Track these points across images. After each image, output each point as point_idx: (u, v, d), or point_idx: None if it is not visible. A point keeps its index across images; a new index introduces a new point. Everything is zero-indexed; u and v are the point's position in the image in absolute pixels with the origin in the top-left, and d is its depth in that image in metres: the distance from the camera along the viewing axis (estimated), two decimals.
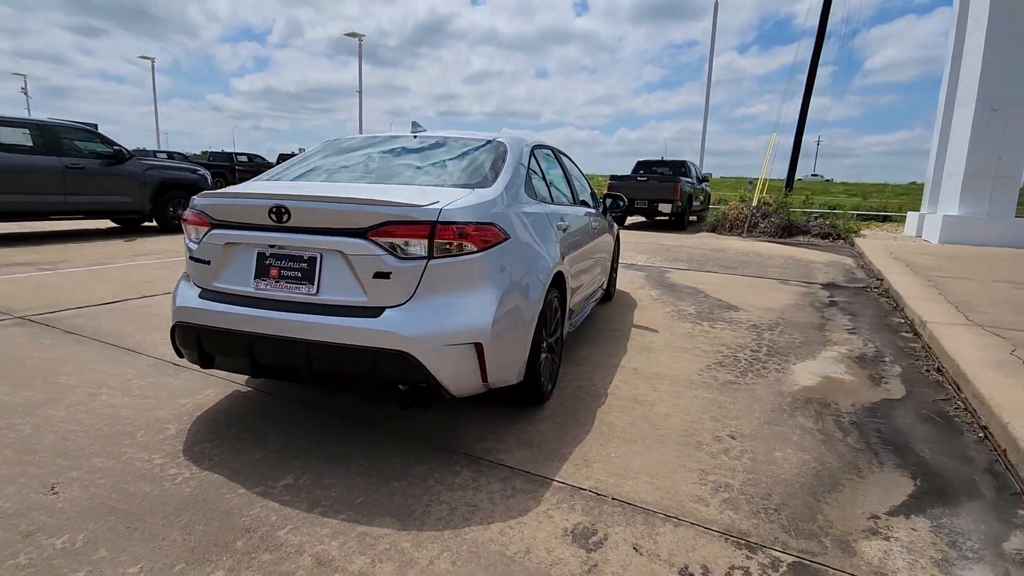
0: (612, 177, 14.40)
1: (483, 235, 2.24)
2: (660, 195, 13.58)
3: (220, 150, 25.29)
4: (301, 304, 2.19)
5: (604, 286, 4.80)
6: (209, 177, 10.61)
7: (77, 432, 2.44)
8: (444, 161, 2.85)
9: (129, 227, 10.27)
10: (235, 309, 2.25)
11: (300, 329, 2.14)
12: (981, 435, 2.68)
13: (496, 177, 2.67)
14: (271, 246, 2.25)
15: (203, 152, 24.45)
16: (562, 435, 2.55)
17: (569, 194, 3.82)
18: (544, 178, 3.32)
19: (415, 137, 3.22)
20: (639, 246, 10.05)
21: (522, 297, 2.46)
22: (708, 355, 3.84)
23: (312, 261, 2.19)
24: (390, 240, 2.12)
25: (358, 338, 2.10)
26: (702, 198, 16.44)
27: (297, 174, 2.86)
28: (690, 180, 14.87)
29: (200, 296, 2.37)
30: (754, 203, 13.77)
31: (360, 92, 28.71)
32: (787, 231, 12.83)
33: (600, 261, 4.23)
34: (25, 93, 48.11)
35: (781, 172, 19.21)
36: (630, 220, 15.73)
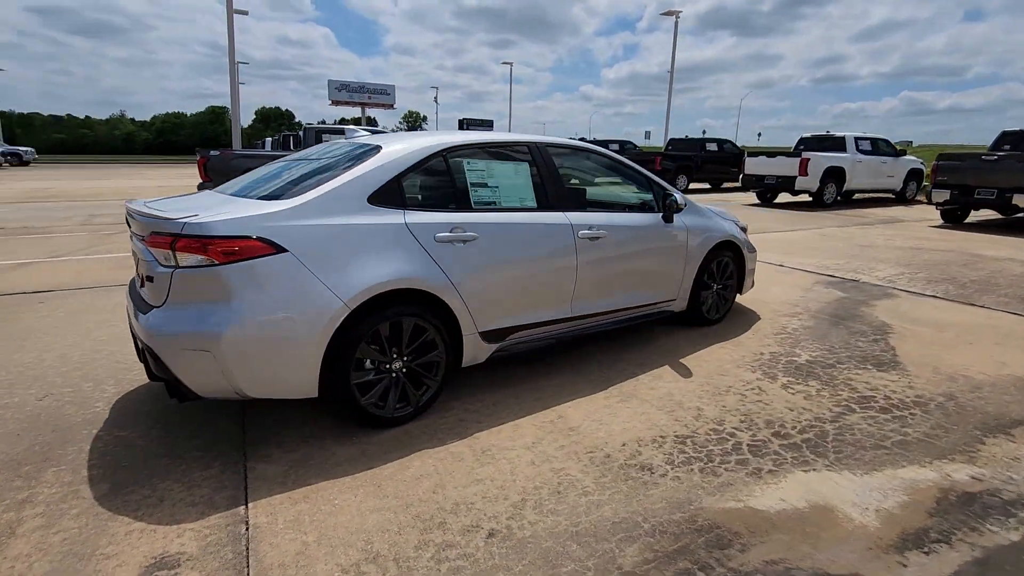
0: (941, 157, 10.50)
1: (227, 248, 2.27)
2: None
3: (588, 137, 27.04)
4: (142, 302, 2.61)
5: (661, 301, 3.89)
6: None
7: None
8: (303, 172, 2.86)
9: None
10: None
11: (135, 327, 2.58)
12: None
13: (314, 188, 2.57)
14: (133, 252, 2.77)
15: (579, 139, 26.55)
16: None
17: (530, 198, 3.24)
18: (456, 184, 2.95)
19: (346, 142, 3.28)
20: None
21: (301, 308, 2.37)
22: None
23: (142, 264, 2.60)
24: (154, 248, 2.38)
25: (139, 334, 2.44)
26: None
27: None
28: None
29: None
30: None
31: (671, 73, 27.69)
32: None
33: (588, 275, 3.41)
34: (436, 101, 62.71)
35: None
36: (975, 217, 11.30)
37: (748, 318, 4.60)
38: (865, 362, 3.64)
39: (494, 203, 3.07)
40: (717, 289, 4.34)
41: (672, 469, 2.40)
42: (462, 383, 3.24)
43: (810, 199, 13.69)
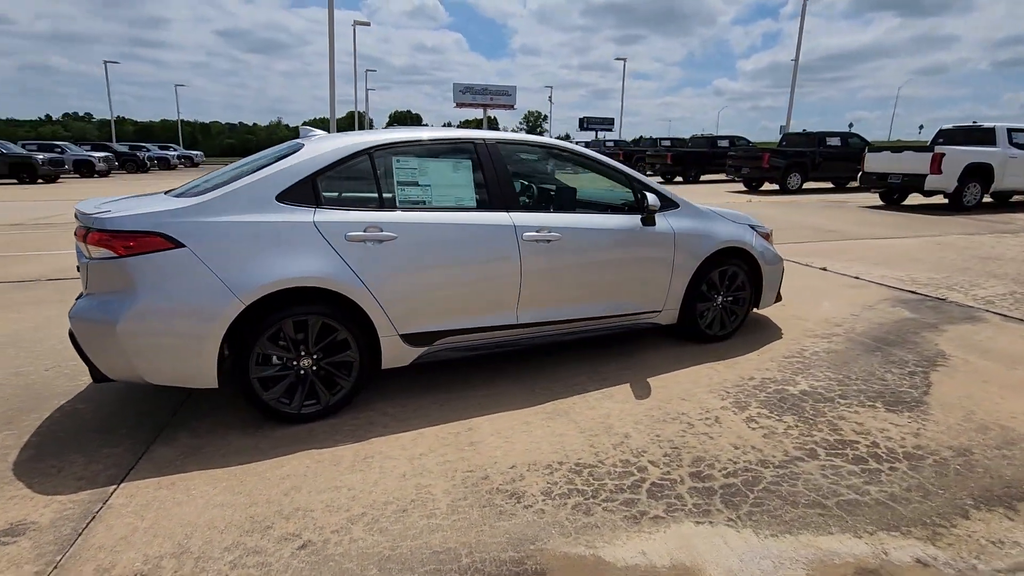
0: None
1: (124, 243, 2.42)
2: None
3: (702, 133, 24.94)
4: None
5: (653, 309, 3.55)
6: None
7: None
8: (235, 171, 2.93)
9: None
10: None
11: None
12: None
13: (224, 186, 2.65)
14: None
15: (691, 137, 24.99)
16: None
17: (469, 198, 3.07)
18: (380, 183, 2.89)
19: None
20: None
21: (194, 298, 2.47)
22: None
23: None
24: (79, 242, 2.60)
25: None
26: None
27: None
28: None
29: None
30: None
31: (796, 62, 24.96)
32: None
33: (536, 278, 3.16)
34: (550, 100, 62.90)
35: None
36: None
37: (766, 336, 4.02)
38: (878, 399, 3.01)
39: (424, 202, 2.97)
40: (723, 302, 3.85)
41: (544, 500, 2.15)
42: (398, 383, 3.19)
43: (946, 201, 11.72)
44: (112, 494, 2.21)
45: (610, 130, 62.64)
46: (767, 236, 4.09)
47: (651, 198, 3.32)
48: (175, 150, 37.79)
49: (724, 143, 21.84)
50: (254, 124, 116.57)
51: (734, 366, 3.48)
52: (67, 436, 2.66)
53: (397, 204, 2.91)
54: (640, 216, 3.44)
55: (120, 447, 2.56)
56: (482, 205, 3.08)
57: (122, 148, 31.12)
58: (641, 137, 31.50)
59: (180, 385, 2.59)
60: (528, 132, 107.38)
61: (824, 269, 6.23)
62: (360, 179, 2.91)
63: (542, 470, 2.36)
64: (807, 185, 16.90)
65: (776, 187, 16.61)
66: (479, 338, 3.12)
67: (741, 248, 3.81)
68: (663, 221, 3.54)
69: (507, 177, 3.17)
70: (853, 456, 2.46)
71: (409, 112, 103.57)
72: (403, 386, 3.18)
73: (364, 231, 2.75)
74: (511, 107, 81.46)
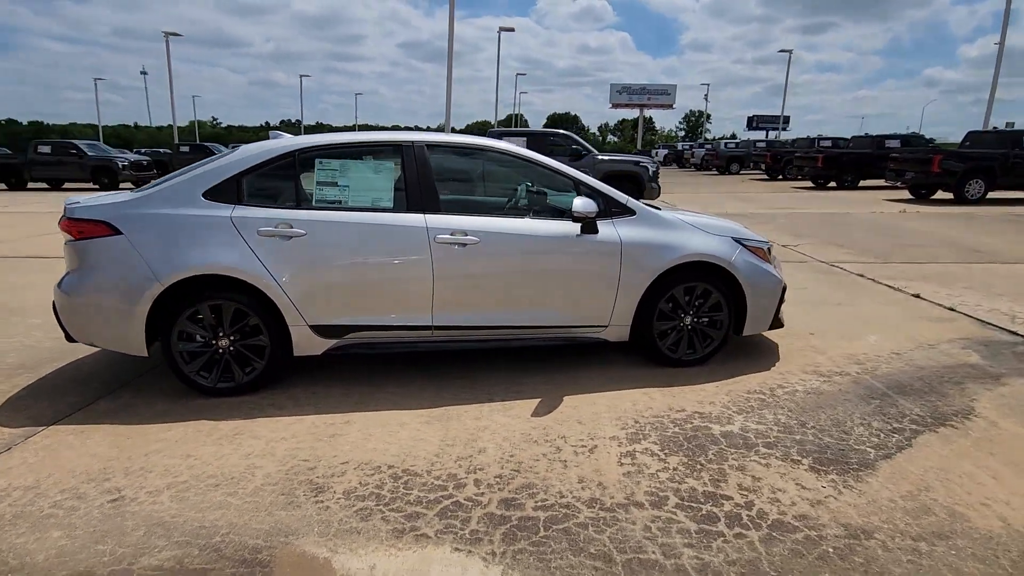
0: None
1: (78, 228, 2.92)
2: None
3: (867, 133, 21.07)
4: None
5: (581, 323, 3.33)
6: (650, 169, 11.58)
7: None
8: (187, 169, 3.28)
9: None
10: None
11: None
12: None
13: (163, 184, 3.04)
14: None
15: (852, 137, 21.25)
16: None
17: (387, 199, 3.11)
18: (300, 183, 3.09)
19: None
20: None
21: (124, 278, 2.89)
22: None
23: None
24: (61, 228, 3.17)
25: None
26: None
27: None
28: None
29: None
30: None
31: (1000, 45, 20.12)
32: None
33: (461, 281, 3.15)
34: (706, 99, 59.03)
35: None
36: None
37: (753, 365, 3.51)
38: (812, 455, 2.49)
39: (340, 202, 3.11)
40: (693, 323, 3.44)
41: (338, 499, 2.18)
42: (331, 371, 3.38)
43: None
44: (37, 432, 2.70)
45: (784, 129, 57.17)
46: (761, 251, 3.55)
47: (578, 204, 3.09)
48: None
49: (895, 143, 18.79)
50: (427, 127, 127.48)
51: (674, 394, 3.11)
52: (61, 383, 3.28)
53: (313, 203, 3.09)
54: (580, 223, 3.22)
55: (79, 397, 3.09)
56: (399, 206, 3.14)
57: None
58: (805, 138, 28.23)
59: (120, 351, 3.05)
60: (688, 132, 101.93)
61: (917, 296, 5.17)
62: (285, 179, 3.15)
63: (367, 470, 2.38)
64: (995, 195, 13.89)
65: (951, 196, 13.92)
66: (392, 336, 3.19)
67: (714, 264, 3.36)
68: (609, 229, 3.28)
69: (429, 179, 3.18)
70: (705, 513, 2.09)
71: (568, 114, 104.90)
72: (333, 374, 3.37)
73: (275, 227, 2.98)
74: (670, 107, 78.01)
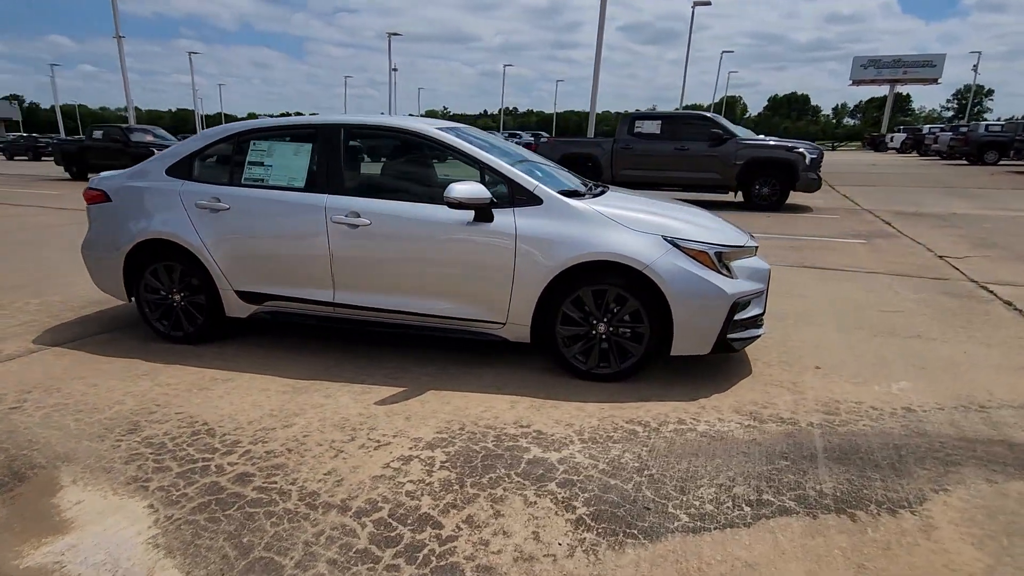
0: None
1: (89, 196, 3.66)
2: None
3: None
4: None
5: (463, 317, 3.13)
6: (808, 156, 9.84)
7: None
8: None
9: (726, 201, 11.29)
10: None
11: None
12: None
13: (147, 159, 3.60)
14: None
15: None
16: None
17: (300, 179, 3.25)
18: (238, 163, 3.40)
19: None
20: None
21: (110, 236, 3.56)
22: None
23: None
24: None
25: None
26: None
27: None
28: None
29: None
30: None
31: None
32: None
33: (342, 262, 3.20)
34: (975, 70, 47.06)
35: None
36: None
37: (684, 391, 2.91)
38: (601, 506, 2.03)
39: (262, 180, 3.37)
40: (608, 332, 2.98)
41: (131, 442, 2.45)
42: (280, 336, 3.72)
43: None
44: (38, 351, 3.50)
45: None
46: (704, 257, 2.88)
47: (457, 190, 2.85)
48: (519, 137, 43.34)
49: None
50: (635, 110, 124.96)
51: (542, 409, 2.75)
52: (85, 321, 4.17)
53: (241, 181, 3.41)
54: (473, 211, 3.00)
55: (83, 331, 3.90)
56: (309, 186, 3.28)
57: None
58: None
59: (114, 296, 3.77)
60: (958, 112, 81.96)
61: None
62: (226, 159, 3.52)
63: (184, 423, 2.61)
64: None
65: None
66: (301, 308, 3.38)
67: (627, 265, 2.85)
68: (507, 219, 2.99)
69: (336, 161, 3.26)
70: (391, 536, 1.86)
71: (794, 94, 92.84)
72: (275, 338, 3.70)
73: (207, 201, 3.37)
74: (934, 81, 64.37)
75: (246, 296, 3.43)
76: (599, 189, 3.62)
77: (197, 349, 3.51)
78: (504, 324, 3.10)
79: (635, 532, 1.89)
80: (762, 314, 3.12)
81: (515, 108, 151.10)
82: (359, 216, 3.13)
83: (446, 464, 2.29)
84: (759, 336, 3.14)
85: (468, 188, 2.87)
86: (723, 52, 45.91)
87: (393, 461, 2.31)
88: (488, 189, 2.97)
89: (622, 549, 1.81)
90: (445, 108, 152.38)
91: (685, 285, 2.83)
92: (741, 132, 10.84)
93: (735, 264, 3.02)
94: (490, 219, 2.99)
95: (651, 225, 2.94)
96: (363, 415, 2.70)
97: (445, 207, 3.05)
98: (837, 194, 13.10)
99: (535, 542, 1.85)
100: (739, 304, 2.91)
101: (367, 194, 3.24)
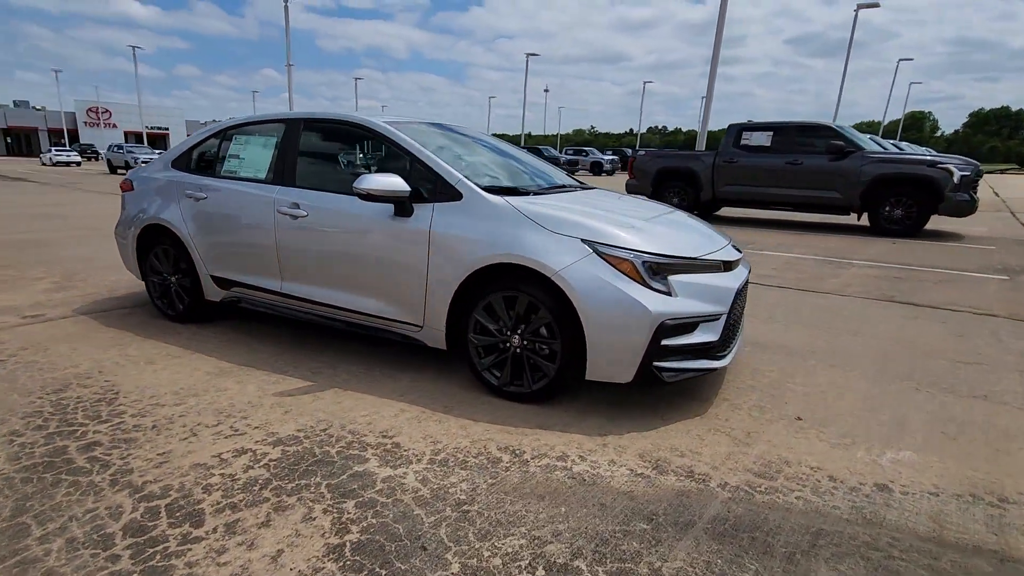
0: None
1: (122, 186, 4.14)
2: None
3: None
4: None
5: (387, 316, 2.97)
6: (956, 174, 8.13)
7: None
8: None
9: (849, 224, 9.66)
10: None
11: None
12: None
13: (161, 154, 3.97)
14: None
15: None
16: None
17: (263, 171, 3.33)
18: (219, 156, 3.59)
19: None
20: None
21: (128, 221, 3.98)
22: None
23: None
24: None
25: None
26: None
27: None
28: None
29: None
30: None
31: None
32: None
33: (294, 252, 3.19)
34: None
35: None
36: None
37: (603, 426, 2.47)
38: (339, 495, 1.74)
39: (235, 172, 3.53)
40: (522, 346, 2.63)
41: (32, 399, 2.67)
42: (250, 320, 3.90)
43: None
44: (75, 317, 4.02)
45: None
46: (627, 266, 2.41)
47: (366, 180, 2.70)
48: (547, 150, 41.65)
49: None
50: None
51: (424, 422, 2.49)
52: (119, 296, 4.71)
53: (220, 173, 3.61)
54: (393, 205, 2.85)
55: (109, 304, 4.40)
56: (269, 178, 3.37)
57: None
58: None
59: (134, 276, 4.21)
60: None
61: None
62: (214, 152, 3.74)
63: (92, 390, 2.77)
64: None
65: None
66: (258, 296, 3.47)
67: (536, 270, 2.49)
68: (424, 214, 2.79)
69: (291, 153, 3.30)
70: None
71: (1006, 108, 77.97)
72: (255, 324, 3.87)
73: (192, 191, 3.63)
74: None
75: (218, 281, 3.61)
76: (566, 188, 3.27)
77: (181, 327, 3.77)
78: (422, 327, 2.89)
79: (383, 573, 1.59)
80: (717, 342, 2.54)
81: (663, 127, 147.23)
82: (298, 207, 3.15)
83: (272, 463, 2.15)
84: (712, 370, 2.56)
85: (378, 179, 2.73)
86: (900, 60, 40.23)
87: (227, 452, 2.23)
88: (413, 182, 2.81)
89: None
90: (592, 127, 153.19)
91: (599, 297, 2.40)
92: (869, 144, 9.30)
93: (680, 279, 2.50)
94: (408, 213, 2.82)
95: (571, 226, 2.55)
96: (251, 404, 2.66)
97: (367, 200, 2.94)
98: (1018, 223, 10.72)
99: (268, 561, 1.63)
100: (670, 326, 2.39)
101: (314, 186, 3.24)
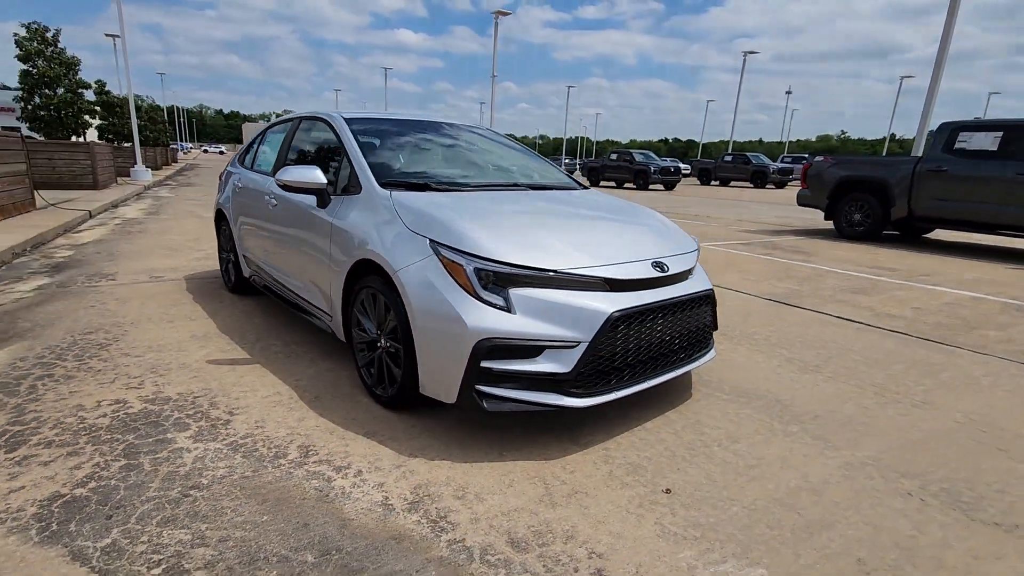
0: None
1: (220, 176, 5.00)
2: None
3: None
4: None
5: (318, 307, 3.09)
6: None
7: None
8: None
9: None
10: None
11: None
12: None
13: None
14: None
15: None
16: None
17: (271, 164, 3.69)
18: (257, 150, 4.09)
19: None
20: None
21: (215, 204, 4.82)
22: None
23: None
24: None
25: None
26: None
27: None
28: None
29: None
30: None
31: None
32: None
33: (290, 243, 3.35)
34: None
35: None
36: None
37: (458, 454, 2.25)
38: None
39: (260, 164, 3.99)
40: (385, 347, 2.51)
41: (14, 361, 3.39)
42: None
43: None
44: (162, 281, 5.01)
45: None
46: (459, 272, 2.11)
47: (286, 171, 2.81)
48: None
49: None
50: None
51: (298, 412, 2.53)
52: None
53: (252, 167, 4.11)
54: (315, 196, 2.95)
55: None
56: (271, 170, 3.74)
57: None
58: None
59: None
60: None
61: None
62: (254, 148, 4.27)
63: (101, 331, 3.43)
64: None
65: None
66: (261, 275, 3.89)
67: (382, 267, 2.34)
68: (334, 205, 2.82)
69: (286, 148, 3.61)
70: None
71: None
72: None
73: (236, 181, 4.22)
74: None
75: (246, 260, 4.15)
76: (521, 187, 3.05)
77: (230, 296, 4.42)
78: (333, 318, 2.93)
79: (55, 529, 1.69)
80: (570, 375, 2.08)
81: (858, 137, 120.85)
82: (272, 196, 3.45)
83: (123, 416, 2.42)
84: (560, 408, 2.10)
85: (296, 171, 2.83)
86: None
87: (107, 400, 2.56)
88: (343, 175, 2.89)
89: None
90: (843, 132, 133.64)
91: (427, 304, 2.16)
92: None
93: (526, 293, 2.10)
94: (323, 204, 2.89)
95: (429, 223, 2.32)
96: (182, 366, 2.99)
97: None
98: None
99: (4, 493, 1.86)
100: (493, 347, 2.03)
101: None
